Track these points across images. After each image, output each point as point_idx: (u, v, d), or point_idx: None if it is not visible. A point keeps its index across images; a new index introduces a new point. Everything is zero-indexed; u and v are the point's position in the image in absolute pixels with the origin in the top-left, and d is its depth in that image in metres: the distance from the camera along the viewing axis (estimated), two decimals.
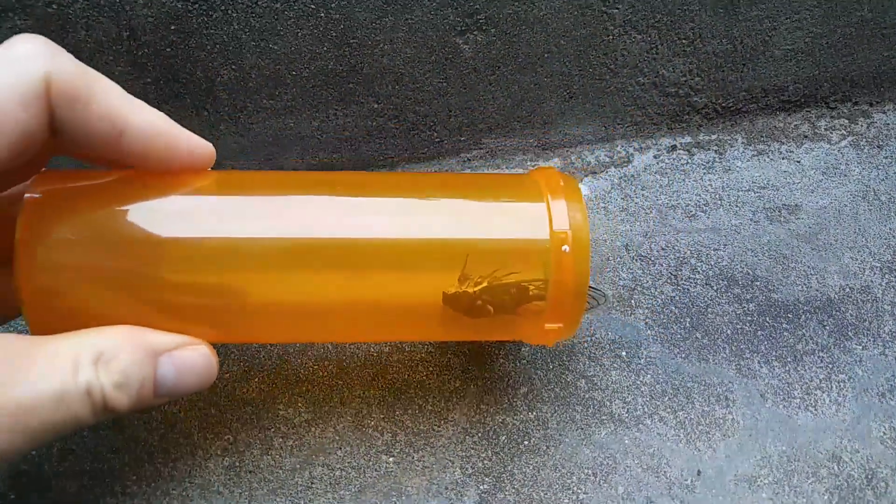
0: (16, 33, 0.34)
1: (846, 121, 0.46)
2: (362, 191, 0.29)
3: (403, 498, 0.32)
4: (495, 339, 0.34)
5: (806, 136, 0.45)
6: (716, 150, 0.44)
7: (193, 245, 0.26)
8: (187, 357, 0.26)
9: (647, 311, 0.37)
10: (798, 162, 0.44)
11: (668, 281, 0.39)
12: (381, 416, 0.34)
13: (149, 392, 0.25)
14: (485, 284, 0.27)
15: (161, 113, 0.26)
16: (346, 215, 0.28)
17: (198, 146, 0.27)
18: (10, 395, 0.21)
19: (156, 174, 0.27)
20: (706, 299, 0.38)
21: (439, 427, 0.34)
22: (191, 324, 0.27)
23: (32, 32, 0.34)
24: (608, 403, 0.34)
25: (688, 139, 0.45)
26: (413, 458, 0.33)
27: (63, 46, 0.36)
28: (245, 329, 0.29)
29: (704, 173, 0.43)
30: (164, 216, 0.26)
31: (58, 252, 0.25)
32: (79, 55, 0.36)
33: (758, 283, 0.38)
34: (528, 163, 0.44)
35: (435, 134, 0.43)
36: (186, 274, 0.26)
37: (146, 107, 0.26)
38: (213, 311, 0.27)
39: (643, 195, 0.42)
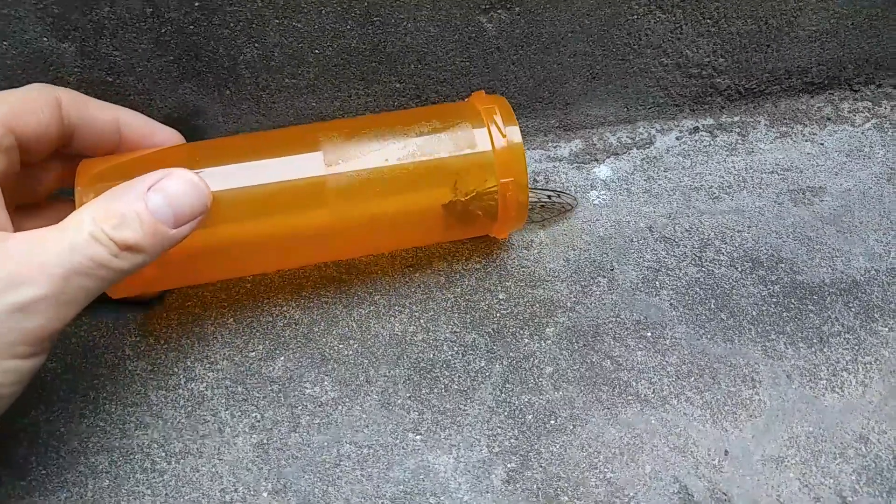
0: (41, 10, 0.34)
1: (869, 103, 0.45)
2: (359, 134, 0.34)
3: (431, 475, 0.32)
4: (470, 237, 0.39)
5: (829, 119, 0.45)
6: (738, 132, 0.44)
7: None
8: (171, 185, 0.29)
9: (671, 292, 0.37)
10: (821, 144, 0.44)
11: (693, 262, 0.38)
12: (408, 395, 0.34)
13: (151, 221, 0.28)
14: (473, 194, 0.34)
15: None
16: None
17: (170, 129, 0.35)
18: (34, 258, 0.26)
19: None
20: (731, 281, 0.38)
21: (465, 406, 0.34)
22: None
23: (58, 9, 0.34)
24: (634, 384, 0.34)
25: (710, 121, 0.45)
26: (440, 436, 0.33)
27: (87, 23, 0.36)
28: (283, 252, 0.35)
29: (727, 155, 0.43)
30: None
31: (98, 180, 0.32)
32: (102, 32, 0.36)
33: (783, 265, 0.38)
34: (550, 144, 0.44)
35: None
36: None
37: (123, 107, 0.34)
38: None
39: (666, 177, 0.42)
